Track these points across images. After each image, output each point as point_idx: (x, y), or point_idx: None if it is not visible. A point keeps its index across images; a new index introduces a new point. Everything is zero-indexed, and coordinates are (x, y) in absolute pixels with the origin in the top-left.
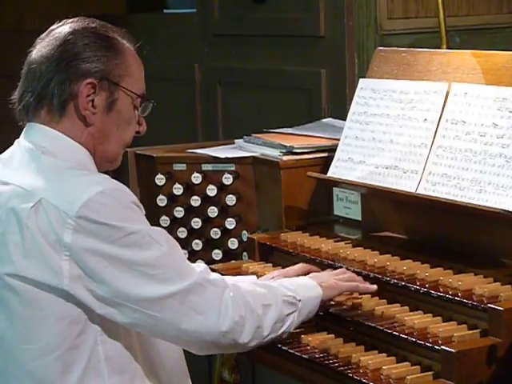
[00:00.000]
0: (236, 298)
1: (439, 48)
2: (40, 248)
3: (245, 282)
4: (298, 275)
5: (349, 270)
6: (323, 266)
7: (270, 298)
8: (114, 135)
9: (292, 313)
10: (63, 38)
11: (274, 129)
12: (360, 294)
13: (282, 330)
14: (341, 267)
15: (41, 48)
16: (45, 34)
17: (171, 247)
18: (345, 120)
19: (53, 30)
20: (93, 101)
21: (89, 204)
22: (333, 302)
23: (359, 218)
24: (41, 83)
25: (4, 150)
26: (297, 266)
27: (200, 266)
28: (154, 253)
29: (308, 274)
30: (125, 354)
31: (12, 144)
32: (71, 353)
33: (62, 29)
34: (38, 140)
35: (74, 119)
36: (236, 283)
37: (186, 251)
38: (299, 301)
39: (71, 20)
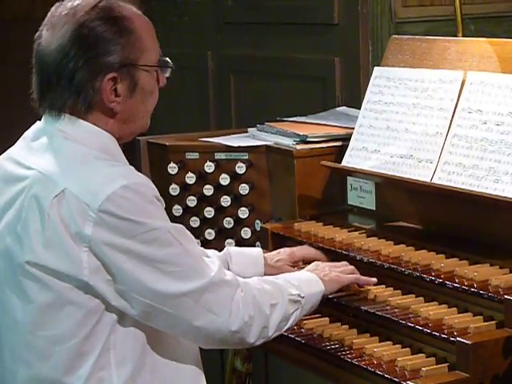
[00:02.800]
0: (246, 297)
1: (454, 36)
2: (61, 238)
3: (252, 278)
4: (304, 259)
5: (363, 260)
6: (337, 256)
7: (276, 296)
8: (140, 112)
9: (296, 310)
10: (75, 31)
11: (288, 117)
12: (360, 286)
13: (285, 328)
14: (355, 257)
15: (52, 39)
16: (50, 18)
17: (190, 245)
18: (358, 108)
19: (58, 14)
20: (115, 90)
21: (112, 198)
22: (341, 293)
23: (373, 208)
24: (61, 81)
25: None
26: (303, 248)
27: (215, 263)
28: (173, 250)
29: (313, 261)
30: (135, 346)
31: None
32: (86, 342)
33: (69, 16)
34: (62, 126)
35: (99, 112)
36: (246, 281)
37: (198, 240)
38: (303, 298)
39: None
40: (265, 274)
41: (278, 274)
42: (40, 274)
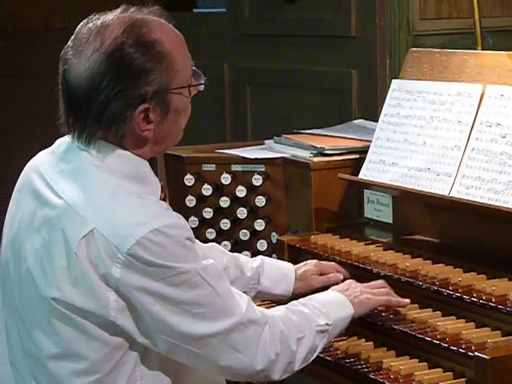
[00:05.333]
0: (273, 334)
1: (472, 49)
2: (88, 278)
3: (280, 308)
4: (333, 271)
5: (380, 273)
6: (354, 269)
7: (303, 328)
8: (173, 131)
9: (323, 339)
10: (104, 61)
11: (304, 130)
12: (392, 308)
13: (312, 358)
14: (372, 271)
15: (80, 68)
16: (76, 41)
17: (219, 284)
18: (375, 121)
19: (86, 40)
20: (147, 117)
21: (142, 242)
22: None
23: (390, 221)
24: (91, 113)
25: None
26: (332, 265)
27: (243, 298)
28: (202, 292)
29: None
30: (160, 375)
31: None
32: (111, 375)
33: (97, 43)
34: (93, 152)
35: (132, 140)
36: (274, 316)
37: (228, 243)
38: (330, 325)
39: (106, 19)
40: (294, 290)
41: (305, 286)
42: (66, 312)
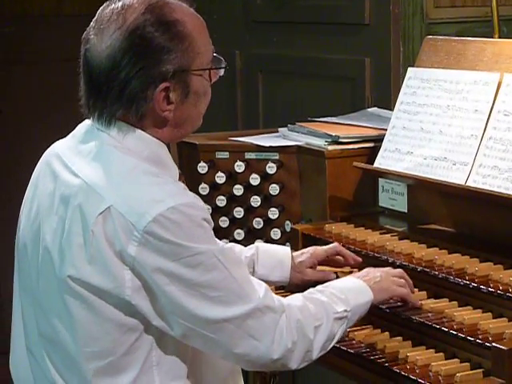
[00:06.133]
0: (290, 322)
1: (486, 37)
2: (104, 256)
3: (297, 296)
4: (327, 255)
5: (395, 263)
6: (369, 259)
7: (320, 317)
8: (192, 115)
9: (341, 326)
10: (125, 39)
11: (316, 118)
12: (405, 303)
13: (330, 346)
14: (387, 260)
15: (101, 47)
16: (98, 21)
17: (235, 268)
18: (389, 109)
19: (108, 19)
20: (168, 97)
21: (158, 219)
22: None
23: (405, 210)
24: (111, 92)
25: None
26: (328, 246)
27: (261, 285)
28: (218, 275)
29: (337, 255)
30: (177, 361)
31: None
32: (125, 359)
33: (119, 22)
34: (113, 133)
35: (152, 120)
36: (290, 304)
37: (227, 241)
38: (349, 311)
39: (128, 0)
40: (290, 279)
41: (300, 277)
42: (81, 290)
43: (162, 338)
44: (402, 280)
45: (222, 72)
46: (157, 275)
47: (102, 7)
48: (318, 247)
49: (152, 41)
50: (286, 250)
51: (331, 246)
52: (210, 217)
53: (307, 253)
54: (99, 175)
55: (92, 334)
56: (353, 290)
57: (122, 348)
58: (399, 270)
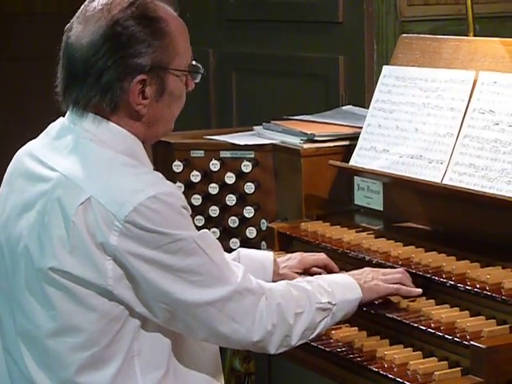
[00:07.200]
0: (270, 305)
1: (459, 35)
2: (86, 246)
3: (281, 282)
4: (315, 265)
5: (372, 261)
6: (345, 257)
7: (303, 304)
8: (165, 116)
9: (325, 318)
10: (108, 28)
11: (290, 116)
12: (403, 297)
13: (312, 336)
14: (364, 258)
15: (83, 34)
16: (83, 11)
17: (215, 253)
18: (363, 107)
19: (93, 9)
20: (143, 92)
21: (139, 209)
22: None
23: (381, 208)
24: (88, 77)
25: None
26: (317, 256)
27: (240, 268)
28: (198, 259)
29: (324, 267)
30: (158, 351)
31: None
32: (108, 349)
33: (103, 12)
34: (87, 125)
35: (124, 113)
36: (271, 287)
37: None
38: (334, 305)
39: None
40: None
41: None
42: (63, 281)
43: (143, 327)
44: (396, 276)
45: (198, 79)
46: (138, 263)
47: (87, 1)
48: (306, 255)
49: (134, 32)
50: (267, 254)
51: (320, 257)
52: (187, 204)
53: (295, 258)
54: (77, 168)
55: (75, 324)
56: (341, 286)
57: (106, 338)
58: (398, 269)
